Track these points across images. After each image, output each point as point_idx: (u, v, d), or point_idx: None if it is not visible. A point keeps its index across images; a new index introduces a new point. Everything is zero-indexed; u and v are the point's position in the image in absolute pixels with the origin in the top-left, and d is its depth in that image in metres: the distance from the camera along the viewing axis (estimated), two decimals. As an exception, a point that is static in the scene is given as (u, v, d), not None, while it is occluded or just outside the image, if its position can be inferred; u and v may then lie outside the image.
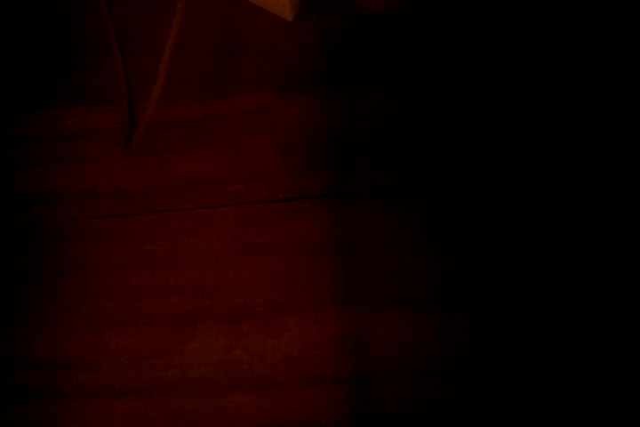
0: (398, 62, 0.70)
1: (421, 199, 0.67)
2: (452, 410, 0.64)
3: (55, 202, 0.69)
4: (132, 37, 0.72)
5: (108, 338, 0.67)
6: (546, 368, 0.64)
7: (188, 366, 0.66)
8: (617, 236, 0.66)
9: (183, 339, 0.66)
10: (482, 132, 0.68)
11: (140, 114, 0.71)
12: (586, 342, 0.65)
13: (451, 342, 0.65)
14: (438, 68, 0.70)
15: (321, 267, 0.67)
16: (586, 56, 0.69)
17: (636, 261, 0.66)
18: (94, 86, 0.71)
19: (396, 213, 0.67)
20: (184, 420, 0.65)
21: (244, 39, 0.71)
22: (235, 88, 0.70)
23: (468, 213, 0.67)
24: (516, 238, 0.66)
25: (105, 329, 0.67)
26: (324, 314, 0.66)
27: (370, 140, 0.69)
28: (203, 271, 0.67)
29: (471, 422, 0.64)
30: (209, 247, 0.68)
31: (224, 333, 0.66)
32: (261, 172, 0.69)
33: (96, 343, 0.67)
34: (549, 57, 0.70)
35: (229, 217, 0.68)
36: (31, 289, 0.68)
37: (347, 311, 0.66)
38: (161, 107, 0.71)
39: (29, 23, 0.73)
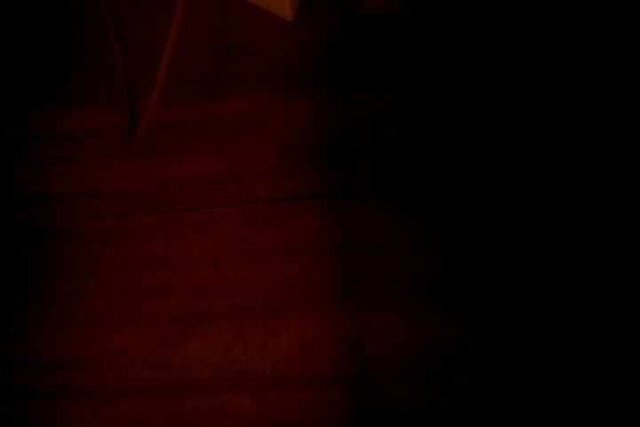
0: (398, 62, 0.70)
1: (421, 199, 0.67)
2: (451, 410, 0.64)
3: (55, 202, 0.69)
4: (132, 37, 0.72)
5: (108, 338, 0.67)
6: (545, 369, 0.64)
7: (187, 366, 0.66)
8: (616, 237, 0.66)
9: (183, 339, 0.66)
10: (482, 133, 0.68)
11: (140, 114, 0.71)
12: (586, 343, 0.65)
13: (450, 342, 0.65)
14: (438, 68, 0.70)
15: (321, 267, 0.67)
16: (586, 56, 0.69)
17: (635, 263, 0.66)
18: (94, 86, 0.71)
19: (396, 213, 0.67)
20: (184, 420, 0.65)
21: (244, 39, 0.71)
22: (235, 88, 0.70)
23: (468, 213, 0.67)
24: (517, 238, 0.66)
25: (105, 329, 0.67)
26: (324, 314, 0.66)
27: (369, 140, 0.69)
28: (203, 271, 0.67)
29: (470, 423, 0.64)
30: (209, 247, 0.68)
31: (224, 333, 0.66)
32: (261, 172, 0.69)
33: (96, 343, 0.67)
34: (549, 56, 0.70)
35: (229, 217, 0.68)
36: (31, 289, 0.68)
37: (346, 311, 0.66)
38: (161, 107, 0.71)
39: (30, 23, 0.73)
